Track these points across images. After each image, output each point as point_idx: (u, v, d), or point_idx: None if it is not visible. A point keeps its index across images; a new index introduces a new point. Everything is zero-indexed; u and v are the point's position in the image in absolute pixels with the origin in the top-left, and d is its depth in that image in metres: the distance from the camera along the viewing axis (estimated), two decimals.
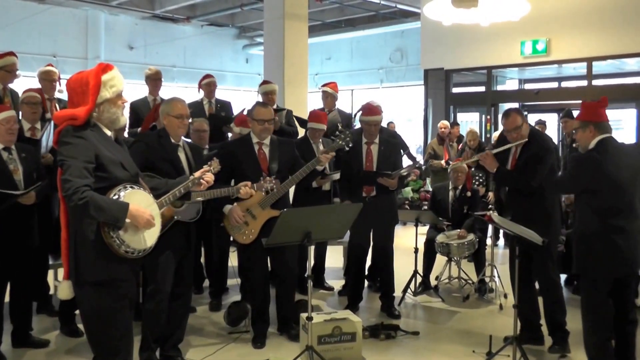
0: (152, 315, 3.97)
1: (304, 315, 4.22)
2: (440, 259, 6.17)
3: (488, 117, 11.81)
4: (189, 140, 5.01)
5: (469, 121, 12.96)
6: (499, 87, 12.89)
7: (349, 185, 5.31)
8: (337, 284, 6.28)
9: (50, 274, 5.39)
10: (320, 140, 5.76)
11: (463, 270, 6.20)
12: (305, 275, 4.10)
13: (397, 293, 5.61)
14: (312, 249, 4.18)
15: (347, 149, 4.70)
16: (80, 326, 4.43)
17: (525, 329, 4.59)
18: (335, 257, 6.82)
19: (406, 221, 8.23)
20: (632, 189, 3.61)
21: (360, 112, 5.39)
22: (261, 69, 10.31)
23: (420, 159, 10.15)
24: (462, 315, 5.45)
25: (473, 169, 6.27)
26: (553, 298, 4.44)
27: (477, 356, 4.45)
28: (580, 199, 3.75)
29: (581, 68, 10.77)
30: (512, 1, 7.26)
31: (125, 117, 3.20)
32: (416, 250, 5.91)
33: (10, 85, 5.63)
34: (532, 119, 9.72)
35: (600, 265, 3.59)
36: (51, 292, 5.38)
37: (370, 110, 5.27)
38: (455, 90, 12.41)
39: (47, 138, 4.95)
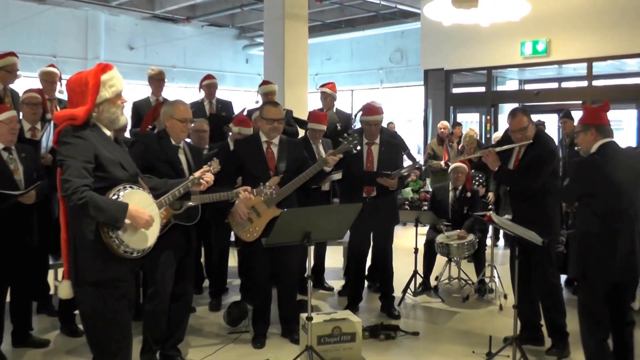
0: (153, 316, 3.97)
1: (303, 315, 4.22)
2: (440, 260, 6.17)
3: (488, 117, 11.82)
4: (189, 141, 5.02)
5: (469, 122, 12.95)
6: (499, 88, 12.89)
7: (349, 186, 5.31)
8: (337, 284, 6.28)
9: (51, 273, 5.39)
10: (320, 140, 5.76)
11: (463, 271, 6.20)
12: (305, 275, 4.10)
13: (397, 293, 5.61)
14: (311, 249, 4.18)
15: (354, 151, 4.73)
16: (80, 326, 4.43)
17: (525, 329, 4.59)
18: (335, 258, 6.82)
19: (406, 221, 8.23)
20: (633, 192, 3.60)
21: (361, 112, 5.39)
22: (261, 69, 10.32)
23: (420, 159, 10.16)
24: (462, 316, 5.45)
25: (473, 170, 6.28)
26: (552, 300, 4.42)
27: (476, 356, 4.45)
28: (582, 201, 3.74)
29: (581, 69, 10.78)
30: (512, 1, 7.27)
31: (125, 117, 3.20)
32: (416, 251, 5.92)
33: (11, 86, 5.63)
34: (532, 119, 9.70)
35: (599, 268, 3.58)
36: (51, 292, 5.38)
37: (371, 110, 5.27)
38: (455, 90, 12.42)
39: (47, 138, 4.95)
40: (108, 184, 2.82)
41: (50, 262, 4.98)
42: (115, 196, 2.78)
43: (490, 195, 6.97)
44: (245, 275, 5.67)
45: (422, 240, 6.10)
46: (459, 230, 5.95)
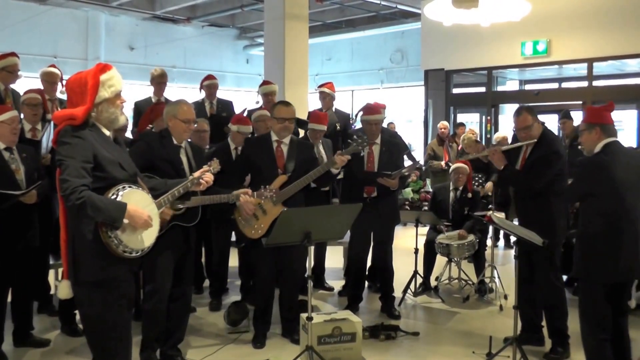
0: (152, 315, 3.98)
1: (304, 315, 4.22)
2: (440, 260, 6.17)
3: (488, 118, 11.82)
4: (190, 140, 5.02)
5: (470, 122, 12.94)
6: (500, 88, 12.90)
7: (350, 186, 5.31)
8: (337, 284, 6.28)
9: (51, 273, 5.40)
10: (321, 141, 5.76)
11: (463, 271, 6.20)
12: (306, 275, 4.11)
13: (397, 294, 5.61)
14: (312, 249, 4.18)
15: (362, 154, 4.71)
16: (81, 326, 4.43)
17: (526, 330, 4.59)
18: (335, 258, 6.83)
19: (406, 222, 8.23)
20: (637, 192, 3.60)
21: (361, 112, 5.39)
22: (262, 69, 10.31)
23: (420, 159, 10.15)
24: (462, 316, 5.45)
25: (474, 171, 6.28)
26: (554, 302, 4.40)
27: (477, 357, 4.45)
28: (586, 201, 3.72)
29: (582, 69, 10.78)
30: (512, 2, 7.27)
31: (125, 117, 3.20)
32: (416, 251, 5.92)
33: (12, 86, 5.64)
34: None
35: (601, 268, 3.58)
36: (52, 291, 5.38)
37: (371, 109, 5.28)
38: (455, 91, 12.42)
39: (48, 139, 4.96)
40: (107, 184, 2.81)
41: (51, 262, 4.99)
42: (114, 196, 2.78)
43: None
44: (248, 275, 5.68)
45: (422, 241, 6.10)
46: (459, 231, 5.95)
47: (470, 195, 6.21)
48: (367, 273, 5.89)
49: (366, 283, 5.95)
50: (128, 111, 5.69)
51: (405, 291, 5.80)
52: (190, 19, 14.19)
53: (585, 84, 10.61)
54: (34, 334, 4.63)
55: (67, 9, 13.07)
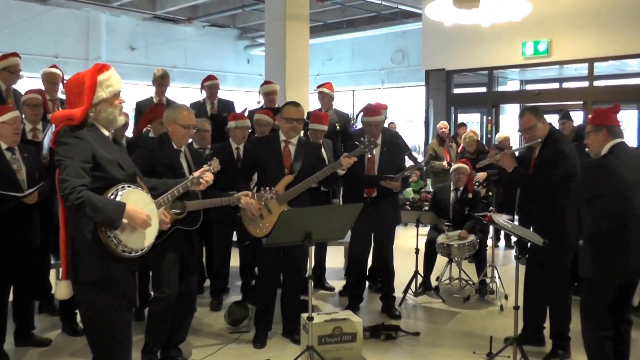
0: (157, 318, 3.97)
1: (304, 315, 4.22)
2: (440, 260, 6.17)
3: (489, 118, 11.82)
4: (190, 140, 5.02)
5: (471, 122, 12.95)
6: (500, 88, 12.90)
7: (351, 186, 5.31)
8: (338, 284, 6.28)
9: (52, 273, 5.39)
10: (321, 141, 5.76)
11: (464, 271, 6.20)
12: (306, 275, 4.11)
13: (398, 294, 5.61)
14: (312, 249, 4.18)
15: (369, 156, 4.72)
16: (82, 325, 4.44)
17: (526, 330, 4.58)
18: (335, 258, 6.83)
19: (407, 222, 8.23)
20: None
21: (362, 113, 5.39)
22: (262, 69, 10.32)
23: (421, 159, 10.15)
24: (462, 316, 5.45)
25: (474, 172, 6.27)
26: (559, 306, 4.38)
27: (477, 357, 4.45)
28: (593, 202, 3.70)
29: (582, 69, 10.77)
30: (513, 2, 7.28)
31: (124, 117, 3.20)
32: (417, 251, 5.92)
33: (14, 86, 5.65)
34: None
35: (607, 269, 3.58)
36: (53, 291, 5.38)
37: (371, 110, 5.27)
38: (456, 91, 12.42)
39: (49, 139, 4.96)
40: (106, 184, 2.82)
41: (52, 262, 4.99)
42: (113, 196, 2.79)
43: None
44: (251, 274, 5.67)
45: (423, 241, 6.10)
46: (459, 231, 5.95)
47: (470, 195, 6.21)
48: (367, 273, 5.90)
49: (367, 283, 5.95)
50: (129, 111, 5.70)
51: (405, 291, 5.80)
52: (191, 19, 14.20)
53: (586, 84, 10.61)
54: (35, 333, 4.64)
55: (68, 9, 13.09)
